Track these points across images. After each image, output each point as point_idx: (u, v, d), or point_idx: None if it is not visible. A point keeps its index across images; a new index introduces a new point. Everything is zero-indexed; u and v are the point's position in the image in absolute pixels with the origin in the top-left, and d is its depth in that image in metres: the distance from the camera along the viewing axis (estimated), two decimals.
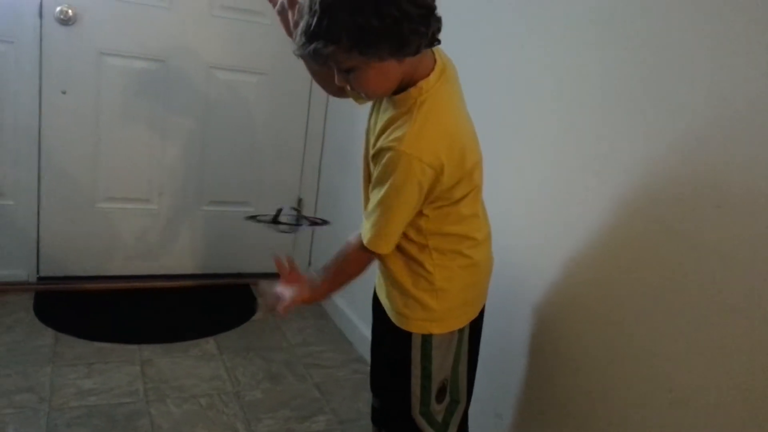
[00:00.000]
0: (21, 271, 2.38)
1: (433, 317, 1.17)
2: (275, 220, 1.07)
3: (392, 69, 0.98)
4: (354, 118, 2.40)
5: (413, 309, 1.17)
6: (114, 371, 1.93)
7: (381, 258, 1.16)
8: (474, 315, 1.24)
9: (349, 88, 1.04)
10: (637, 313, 1.16)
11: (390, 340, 1.24)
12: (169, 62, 2.38)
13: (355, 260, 1.15)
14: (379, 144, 1.06)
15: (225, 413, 1.80)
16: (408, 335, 1.18)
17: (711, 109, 1.03)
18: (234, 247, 2.70)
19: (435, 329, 1.17)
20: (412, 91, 1.03)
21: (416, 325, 1.18)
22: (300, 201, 2.75)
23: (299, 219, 1.04)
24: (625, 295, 1.19)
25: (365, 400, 1.96)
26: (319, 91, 2.63)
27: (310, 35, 0.93)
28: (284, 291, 1.20)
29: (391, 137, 1.03)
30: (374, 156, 1.07)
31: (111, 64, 2.29)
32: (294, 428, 1.78)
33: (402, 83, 1.03)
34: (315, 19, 0.91)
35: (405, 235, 1.12)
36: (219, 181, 2.60)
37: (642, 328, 1.15)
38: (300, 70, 2.91)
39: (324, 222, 1.08)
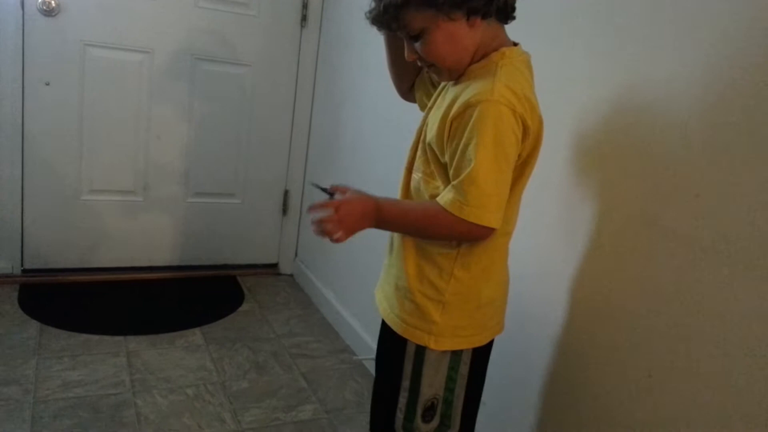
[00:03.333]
0: (5, 264, 2.36)
1: (432, 330, 1.06)
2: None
3: (461, 32, 0.97)
4: (340, 111, 2.41)
5: (413, 315, 1.08)
6: (99, 363, 1.93)
7: (406, 250, 1.07)
8: (482, 342, 1.11)
9: (419, 63, 1.03)
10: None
11: (387, 344, 1.16)
12: (154, 53, 2.37)
13: (449, 225, 0.97)
14: (456, 108, 0.96)
15: (211, 403, 1.81)
16: (403, 342, 1.09)
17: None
18: (219, 238, 2.70)
19: (432, 343, 1.06)
20: (494, 55, 1.00)
21: (412, 333, 1.08)
22: (287, 192, 2.76)
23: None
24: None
25: (352, 389, 1.98)
26: (304, 83, 2.65)
27: None
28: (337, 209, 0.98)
29: (475, 92, 0.95)
30: (455, 118, 0.96)
31: (95, 56, 2.28)
32: (280, 418, 1.79)
33: (476, 56, 1.00)
34: None
35: None
36: (204, 173, 2.59)
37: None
38: (286, 61, 2.89)
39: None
